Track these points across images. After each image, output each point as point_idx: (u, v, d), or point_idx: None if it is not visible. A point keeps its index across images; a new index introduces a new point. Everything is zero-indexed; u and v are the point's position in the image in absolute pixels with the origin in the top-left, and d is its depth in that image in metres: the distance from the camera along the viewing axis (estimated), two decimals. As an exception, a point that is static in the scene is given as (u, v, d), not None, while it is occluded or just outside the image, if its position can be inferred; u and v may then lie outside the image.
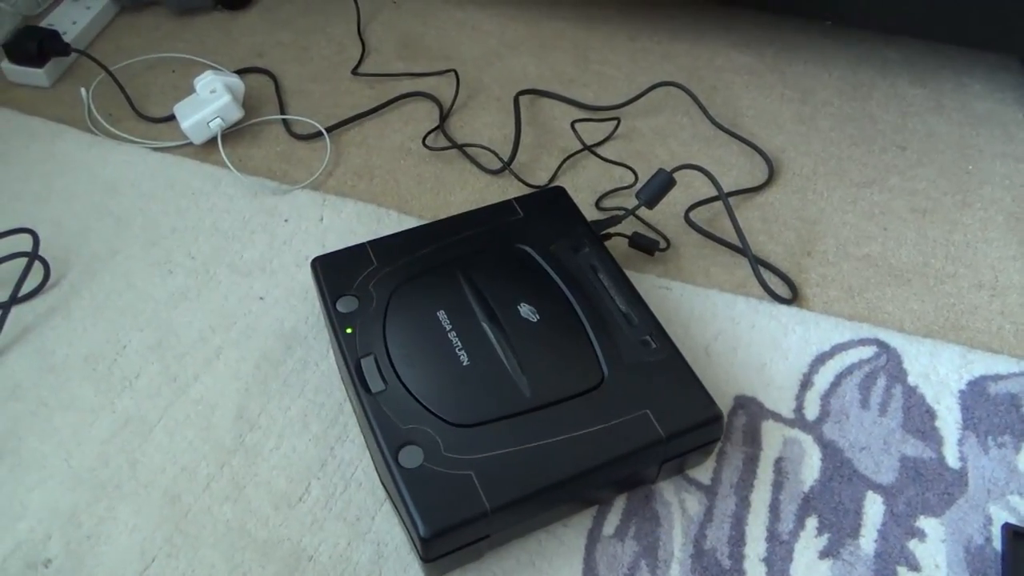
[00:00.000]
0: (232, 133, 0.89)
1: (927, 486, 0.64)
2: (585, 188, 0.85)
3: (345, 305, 0.65)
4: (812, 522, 0.62)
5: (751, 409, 0.68)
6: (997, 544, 0.60)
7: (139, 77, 0.96)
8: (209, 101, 0.86)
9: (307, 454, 0.65)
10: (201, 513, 0.61)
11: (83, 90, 0.93)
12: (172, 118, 0.89)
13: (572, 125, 0.89)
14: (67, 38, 0.96)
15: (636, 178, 0.86)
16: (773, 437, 0.66)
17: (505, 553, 0.60)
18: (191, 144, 0.88)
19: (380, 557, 0.60)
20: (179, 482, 0.63)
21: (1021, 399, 0.69)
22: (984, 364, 0.71)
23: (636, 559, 0.60)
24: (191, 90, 0.88)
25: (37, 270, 0.75)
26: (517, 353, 0.61)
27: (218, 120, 0.86)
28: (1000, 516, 0.62)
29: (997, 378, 0.70)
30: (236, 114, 0.87)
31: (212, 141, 0.87)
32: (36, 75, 0.93)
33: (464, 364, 0.60)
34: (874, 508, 0.62)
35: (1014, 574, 0.58)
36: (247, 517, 0.61)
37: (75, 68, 0.97)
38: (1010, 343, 0.73)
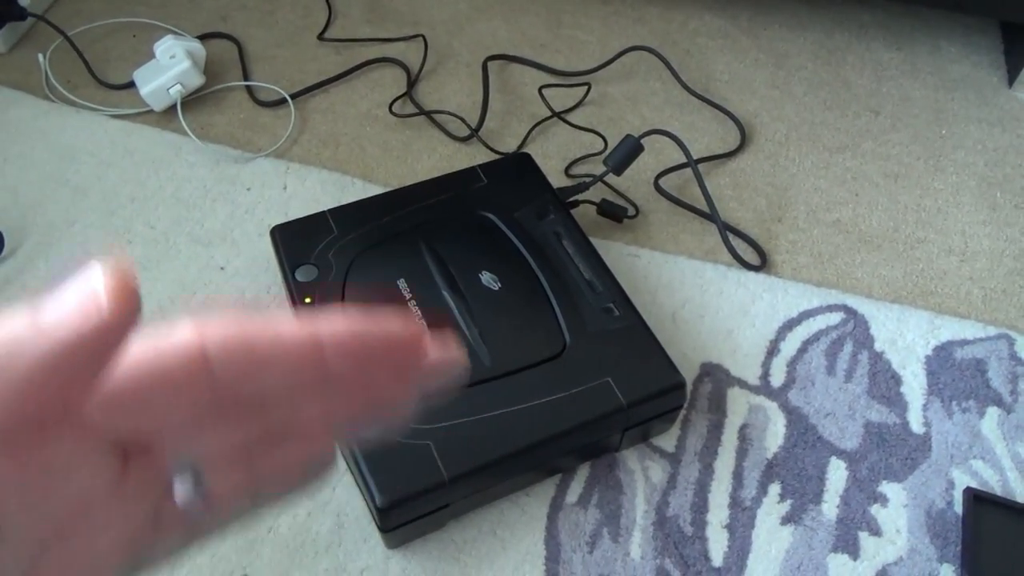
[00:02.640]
0: (194, 100, 0.87)
1: (891, 451, 0.63)
2: (555, 155, 0.84)
3: (304, 274, 0.64)
4: (775, 488, 0.62)
5: (717, 376, 0.68)
6: (959, 508, 0.61)
7: (98, 42, 0.94)
8: (168, 67, 0.84)
9: (268, 425, 0.64)
10: (159, 485, 0.61)
11: (40, 56, 0.90)
12: (132, 85, 0.86)
13: (540, 91, 0.88)
14: (23, 2, 0.93)
15: (606, 144, 0.85)
16: (738, 404, 0.66)
17: (467, 522, 0.60)
18: (151, 111, 0.86)
19: (340, 527, 0.59)
20: (137, 454, 0.62)
21: (987, 364, 0.68)
22: (951, 329, 0.71)
23: (598, 527, 0.60)
24: (151, 56, 0.86)
25: (-8, 241, 0.74)
26: (478, 321, 0.60)
27: (178, 86, 0.83)
28: (962, 480, 0.62)
29: (964, 343, 0.70)
30: (196, 80, 0.85)
31: (173, 108, 0.85)
32: (-9, 41, 0.91)
33: (424, 333, 0.59)
34: (837, 474, 0.62)
35: (974, 537, 0.58)
36: (206, 489, 0.61)
37: (32, 33, 0.95)
38: (978, 308, 0.73)
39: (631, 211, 0.79)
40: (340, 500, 0.60)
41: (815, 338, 0.70)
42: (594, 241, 0.67)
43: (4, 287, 0.72)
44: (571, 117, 0.87)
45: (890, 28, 0.99)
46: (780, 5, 1.01)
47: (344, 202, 0.71)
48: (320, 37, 0.95)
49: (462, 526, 0.59)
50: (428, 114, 0.87)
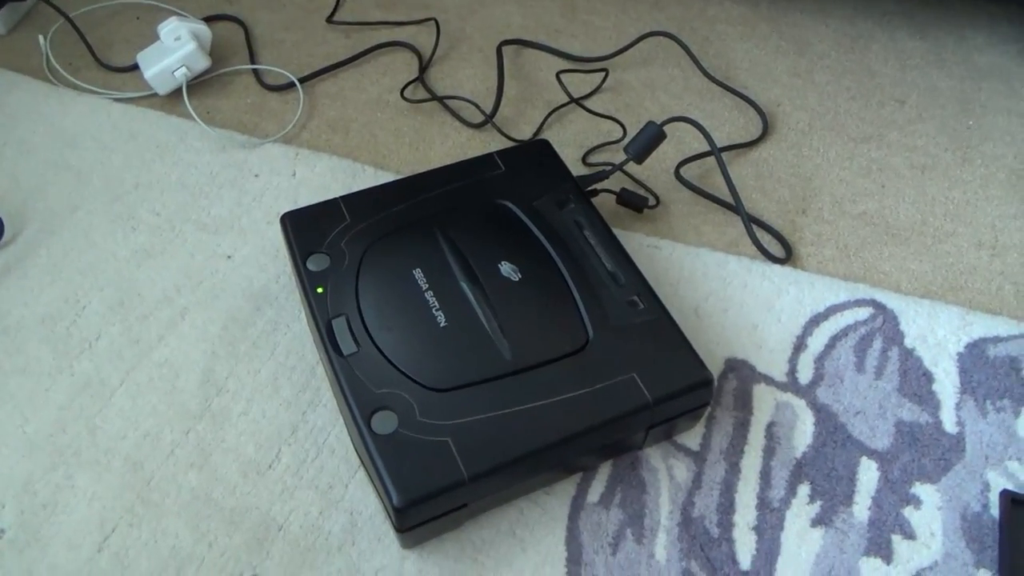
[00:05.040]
0: (199, 84, 0.85)
1: (923, 451, 0.61)
2: (571, 142, 0.82)
3: (316, 263, 0.61)
4: (804, 489, 0.59)
5: (742, 372, 0.65)
6: (995, 511, 0.58)
7: (101, 24, 0.91)
8: (173, 49, 0.81)
9: (277, 419, 0.62)
10: (165, 481, 0.58)
11: (41, 37, 0.87)
12: (135, 67, 0.84)
13: (558, 76, 0.85)
14: (23, -18, 0.91)
15: (624, 132, 0.82)
16: (765, 401, 0.64)
17: (485, 522, 0.57)
18: (155, 95, 0.83)
19: (354, 526, 0.57)
20: (141, 449, 0.60)
21: (1021, 362, 0.66)
22: (983, 326, 0.68)
23: (621, 527, 0.57)
24: (155, 38, 0.83)
25: (-9, 227, 0.71)
26: (497, 314, 0.58)
27: (183, 69, 0.81)
28: (998, 482, 0.60)
29: (997, 340, 0.67)
30: (202, 63, 0.82)
31: (178, 92, 0.82)
32: (-10, 21, 0.88)
33: (441, 325, 0.57)
34: (868, 474, 0.60)
35: (1012, 542, 0.56)
36: (213, 485, 0.58)
37: (33, 14, 0.92)
38: (1010, 304, 0.71)
39: (651, 201, 0.76)
40: (354, 498, 0.58)
41: (843, 333, 0.68)
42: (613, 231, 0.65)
43: (4, 274, 0.69)
44: (588, 103, 0.85)
45: (914, 16, 0.96)
46: (801, -9, 0.99)
47: (355, 189, 0.69)
48: (329, 20, 0.93)
49: (480, 526, 0.57)
50: (441, 100, 0.84)
